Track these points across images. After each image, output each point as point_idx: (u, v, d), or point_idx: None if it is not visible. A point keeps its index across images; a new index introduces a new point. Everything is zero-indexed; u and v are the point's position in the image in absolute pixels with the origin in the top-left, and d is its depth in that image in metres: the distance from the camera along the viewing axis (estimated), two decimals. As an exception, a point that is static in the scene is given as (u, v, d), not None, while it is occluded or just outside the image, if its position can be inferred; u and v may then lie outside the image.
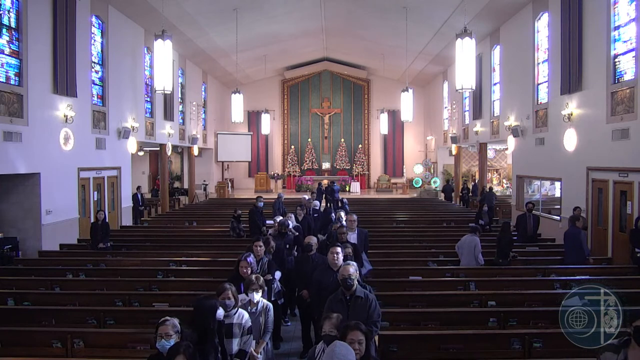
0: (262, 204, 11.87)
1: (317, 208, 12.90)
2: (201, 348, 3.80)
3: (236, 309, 4.49)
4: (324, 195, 18.20)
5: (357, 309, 4.53)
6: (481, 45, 17.94)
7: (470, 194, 20.37)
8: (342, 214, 9.76)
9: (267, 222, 11.32)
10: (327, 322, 3.78)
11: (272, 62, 25.77)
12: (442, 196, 23.13)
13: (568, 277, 7.78)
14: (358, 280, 4.98)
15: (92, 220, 11.54)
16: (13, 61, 10.11)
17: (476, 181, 21.38)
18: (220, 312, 4.19)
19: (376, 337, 4.91)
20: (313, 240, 6.89)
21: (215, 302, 4.17)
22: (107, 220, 10.92)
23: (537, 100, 14.08)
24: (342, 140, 29.35)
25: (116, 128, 14.63)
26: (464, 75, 11.22)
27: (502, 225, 9.44)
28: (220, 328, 4.11)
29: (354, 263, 4.92)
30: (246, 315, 4.55)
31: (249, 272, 5.50)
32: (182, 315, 4.17)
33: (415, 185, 26.20)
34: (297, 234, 9.13)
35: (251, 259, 5.73)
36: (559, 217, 12.84)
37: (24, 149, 10.20)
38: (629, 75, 9.66)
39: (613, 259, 9.75)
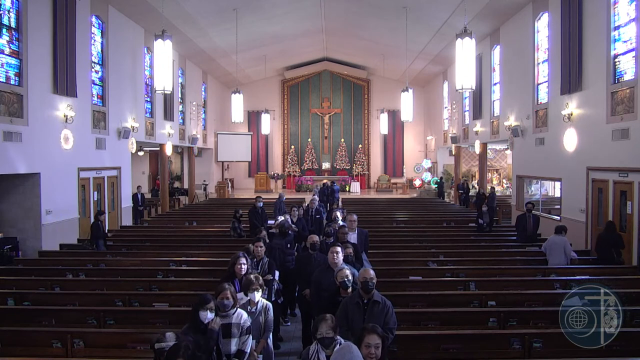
0: (261, 204, 11.85)
1: (321, 209, 12.86)
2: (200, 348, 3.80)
3: (235, 309, 4.47)
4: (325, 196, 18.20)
5: (374, 314, 4.41)
6: (481, 45, 17.93)
7: (462, 193, 20.30)
8: (338, 213, 9.76)
9: (269, 222, 11.32)
10: (322, 324, 3.69)
11: (272, 62, 25.77)
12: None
13: (568, 277, 7.79)
14: (354, 283, 4.97)
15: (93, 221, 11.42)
16: (13, 61, 10.11)
17: (466, 182, 21.32)
18: (206, 314, 4.06)
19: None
20: (316, 239, 6.88)
21: (205, 299, 4.12)
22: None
23: (537, 100, 14.07)
24: (342, 140, 29.34)
25: (116, 128, 14.64)
26: (464, 75, 11.21)
27: (607, 224, 9.03)
28: (210, 329, 4.06)
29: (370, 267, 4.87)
30: (245, 315, 4.52)
31: (244, 271, 5.50)
32: (182, 315, 4.16)
33: (417, 182, 26.34)
34: (297, 229, 9.10)
35: (244, 259, 5.69)
36: (559, 217, 12.84)
37: (24, 149, 10.21)
38: (629, 75, 9.66)
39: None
